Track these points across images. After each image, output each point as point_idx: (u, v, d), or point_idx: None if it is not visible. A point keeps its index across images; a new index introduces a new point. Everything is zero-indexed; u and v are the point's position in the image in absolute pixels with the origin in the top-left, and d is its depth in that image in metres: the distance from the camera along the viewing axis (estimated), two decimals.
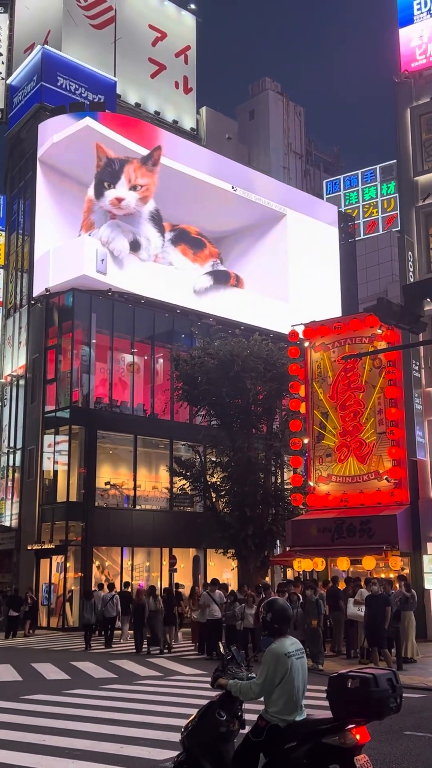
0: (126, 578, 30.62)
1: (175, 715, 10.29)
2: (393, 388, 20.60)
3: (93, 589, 25.98)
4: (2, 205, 39.21)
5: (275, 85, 57.44)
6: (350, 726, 5.24)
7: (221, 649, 6.76)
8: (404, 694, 5.49)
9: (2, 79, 40.73)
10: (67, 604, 29.80)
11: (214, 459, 28.89)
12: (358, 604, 16.60)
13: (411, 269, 22.66)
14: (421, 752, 8.37)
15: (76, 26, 40.06)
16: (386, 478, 20.32)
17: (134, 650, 20.05)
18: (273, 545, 27.89)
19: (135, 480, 32.54)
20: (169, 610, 20.32)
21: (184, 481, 28.58)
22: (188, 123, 45.19)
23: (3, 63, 41.07)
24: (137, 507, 32.40)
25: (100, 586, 24.53)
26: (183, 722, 6.41)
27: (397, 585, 17.63)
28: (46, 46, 38.10)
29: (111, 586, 23.77)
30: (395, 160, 33.42)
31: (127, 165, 34.90)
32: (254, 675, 5.86)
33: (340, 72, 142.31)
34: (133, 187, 34.89)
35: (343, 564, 20.01)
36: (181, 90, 45.14)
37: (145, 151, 35.75)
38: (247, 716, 6.18)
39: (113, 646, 21.47)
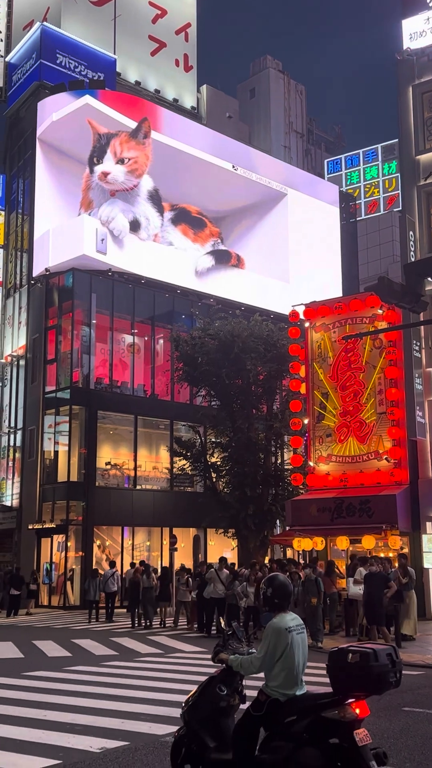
0: (127, 557, 30.84)
1: (175, 691, 10.38)
2: (393, 368, 20.59)
3: (93, 567, 26.84)
4: (1, 185, 38.96)
5: (276, 63, 56.94)
6: (350, 700, 5.27)
7: (222, 625, 6.81)
8: (403, 671, 5.52)
9: (1, 56, 40.32)
10: (68, 583, 30.00)
11: (214, 439, 28.95)
12: (358, 584, 16.69)
13: (412, 249, 22.57)
14: (420, 728, 8.45)
15: (76, 3, 39.59)
16: (386, 458, 20.37)
17: (134, 627, 20.29)
18: (273, 525, 28.03)
19: (135, 460, 32.62)
20: (164, 587, 20.85)
21: (184, 462, 28.67)
22: (189, 101, 44.83)
23: (2, 40, 40.63)
24: (138, 487, 32.51)
25: (112, 564, 25.05)
26: (183, 698, 6.47)
27: (396, 564, 17.72)
28: (45, 23, 37.70)
29: (112, 564, 24.79)
30: (397, 139, 33.20)
31: (113, 139, 34.57)
32: (254, 651, 5.90)
33: (342, 50, 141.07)
34: (120, 161, 34.55)
35: (342, 543, 20.10)
36: (181, 68, 44.72)
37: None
38: (247, 691, 6.23)
39: (114, 620, 22.26)
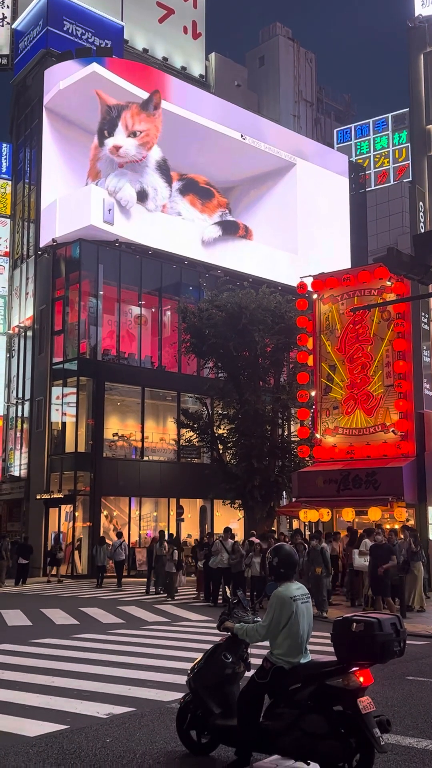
0: (134, 528, 31.15)
1: (181, 658, 10.50)
2: (401, 341, 20.49)
3: (101, 535, 27.98)
4: (8, 154, 38.69)
5: (286, 31, 56.04)
6: (354, 669, 5.33)
7: (228, 594, 6.87)
8: (408, 641, 5.56)
9: (7, 23, 39.79)
10: (76, 552, 30.27)
11: (221, 411, 28.97)
12: (363, 555, 16.77)
13: (422, 219, 22.40)
14: (423, 696, 8.54)
15: None
16: (393, 431, 20.36)
17: (143, 594, 20.59)
18: (279, 496, 28.14)
19: (143, 431, 32.73)
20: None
21: (191, 433, 28.75)
22: (197, 69, 44.26)
23: (8, 6, 40.04)
24: (145, 458, 32.65)
25: (119, 534, 26.57)
26: (189, 665, 6.54)
27: (402, 535, 17.80)
28: None
29: (119, 534, 26.09)
30: (408, 109, 32.77)
31: (124, 111, 34.23)
32: (260, 620, 5.96)
33: (353, 17, 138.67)
34: (132, 134, 34.25)
35: (348, 515, 20.18)
36: (189, 35, 44.09)
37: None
38: (252, 659, 6.30)
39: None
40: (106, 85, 33.99)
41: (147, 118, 34.74)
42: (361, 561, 16.95)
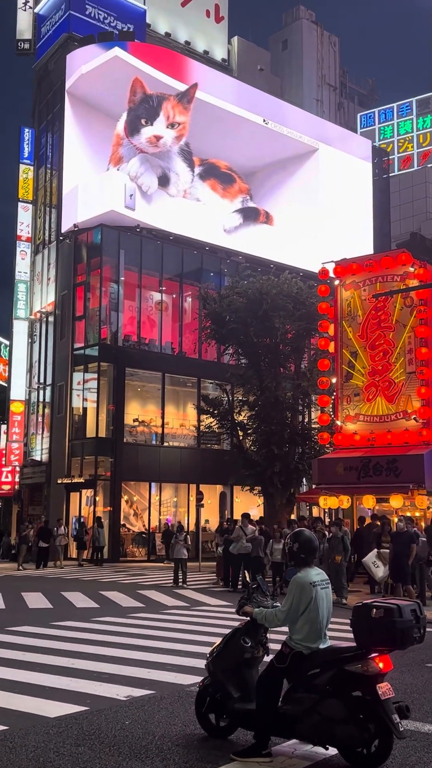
0: (154, 513, 31.35)
1: (200, 642, 10.54)
2: (424, 328, 20.31)
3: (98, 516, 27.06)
4: (30, 139, 38.67)
5: (310, 14, 55.49)
6: (373, 654, 5.31)
7: (247, 578, 6.88)
8: (428, 628, 5.53)
9: (30, 8, 39.71)
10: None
11: (241, 398, 28.95)
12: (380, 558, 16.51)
13: None
14: None
15: None
16: (414, 418, 20.22)
17: (163, 579, 20.67)
18: (299, 483, 28.11)
19: (163, 417, 32.79)
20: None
21: (211, 419, 28.75)
22: (219, 53, 43.96)
23: None
24: (165, 444, 32.73)
25: (180, 528, 24.54)
26: (208, 649, 6.56)
27: (422, 523, 17.71)
28: None
29: (180, 528, 22.49)
30: None
31: (165, 102, 34.27)
32: (279, 605, 5.95)
33: (377, 0, 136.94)
34: (171, 125, 34.30)
35: (368, 502, 20.10)
36: (212, 19, 43.77)
37: (175, 83, 34.95)
38: (271, 644, 6.30)
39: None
40: (128, 69, 33.88)
41: (183, 110, 34.80)
42: (370, 558, 16.62)
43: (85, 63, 33.92)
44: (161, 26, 41.32)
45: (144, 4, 39.41)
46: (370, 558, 16.66)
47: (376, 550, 16.97)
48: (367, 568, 16.49)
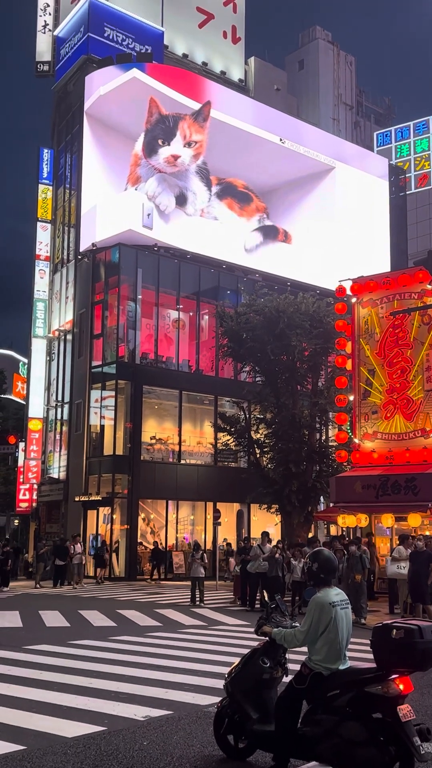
0: (171, 531, 31.24)
1: (218, 662, 10.47)
2: None
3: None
4: (49, 159, 39.12)
5: (326, 34, 55.89)
6: (394, 676, 5.25)
7: (266, 598, 6.83)
8: None
9: (49, 30, 40.30)
10: (113, 555, 30.41)
11: (258, 415, 28.91)
12: (396, 561, 16.55)
13: None
14: None
15: None
16: None
17: (180, 597, 20.56)
18: (317, 501, 27.96)
19: (180, 435, 32.80)
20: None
21: (228, 437, 28.71)
22: (236, 74, 44.33)
23: (50, 14, 40.54)
24: (182, 461, 32.71)
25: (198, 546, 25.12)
26: (226, 669, 6.52)
27: None
28: None
29: (197, 546, 23.23)
30: None
31: (181, 121, 34.62)
32: (298, 625, 5.91)
33: (393, 20, 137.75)
34: (188, 144, 34.61)
35: (387, 521, 19.96)
36: (229, 40, 44.18)
37: (193, 104, 35.27)
38: (290, 664, 6.25)
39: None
40: (148, 91, 34.22)
41: (199, 129, 35.10)
42: (393, 568, 16.74)
43: (103, 84, 34.32)
44: (179, 47, 41.76)
45: (162, 25, 39.88)
46: (391, 568, 16.55)
47: (389, 557, 16.87)
48: (396, 575, 16.38)
